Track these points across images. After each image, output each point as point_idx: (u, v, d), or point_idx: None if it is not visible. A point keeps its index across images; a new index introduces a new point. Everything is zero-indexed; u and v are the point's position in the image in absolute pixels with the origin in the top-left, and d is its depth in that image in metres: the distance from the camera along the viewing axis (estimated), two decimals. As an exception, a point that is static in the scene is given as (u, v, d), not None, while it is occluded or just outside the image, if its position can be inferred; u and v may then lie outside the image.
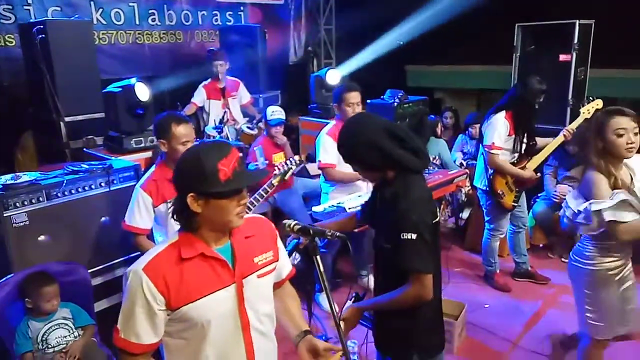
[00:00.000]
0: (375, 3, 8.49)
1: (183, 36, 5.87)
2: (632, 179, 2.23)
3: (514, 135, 3.53)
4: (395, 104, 4.57)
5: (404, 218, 1.70)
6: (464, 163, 4.90)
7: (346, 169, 3.34)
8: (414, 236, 1.68)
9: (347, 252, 3.93)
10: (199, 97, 4.78)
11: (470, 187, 4.56)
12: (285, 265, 1.68)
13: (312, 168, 4.37)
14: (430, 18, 8.52)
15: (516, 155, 3.61)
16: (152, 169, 2.60)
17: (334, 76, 4.86)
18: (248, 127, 4.62)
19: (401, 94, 4.73)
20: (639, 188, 2.20)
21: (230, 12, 6.33)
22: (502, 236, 3.86)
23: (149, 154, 3.52)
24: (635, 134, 2.16)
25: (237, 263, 1.44)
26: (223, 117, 4.56)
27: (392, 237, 1.74)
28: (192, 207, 1.35)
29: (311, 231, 1.57)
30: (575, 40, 4.50)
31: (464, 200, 4.83)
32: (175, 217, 1.42)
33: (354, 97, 3.39)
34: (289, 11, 6.98)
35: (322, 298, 3.62)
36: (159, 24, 5.65)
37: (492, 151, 3.52)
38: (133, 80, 3.62)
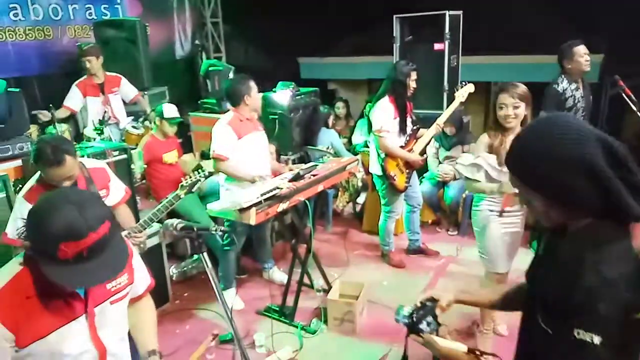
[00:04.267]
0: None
1: (53, 32, 5.35)
2: None
3: (398, 118, 3.74)
4: (288, 96, 4.63)
5: (587, 305, 1.00)
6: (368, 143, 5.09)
7: (244, 167, 3.37)
8: (596, 340, 1.00)
9: (249, 247, 3.99)
10: (74, 99, 4.37)
11: (364, 173, 4.76)
12: (142, 281, 1.61)
13: (209, 166, 4.26)
14: (319, 10, 8.68)
15: (403, 137, 3.83)
16: (35, 176, 2.37)
17: (170, 110, 3.95)
18: (133, 127, 4.36)
19: (292, 86, 4.80)
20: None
21: (106, 5, 5.89)
22: (397, 217, 4.09)
23: (18, 162, 3.18)
24: (515, 107, 2.50)
25: (89, 292, 1.37)
26: (104, 116, 4.25)
27: (557, 323, 1.06)
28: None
29: (195, 229, 1.54)
30: (447, 30, 4.88)
31: (360, 185, 5.03)
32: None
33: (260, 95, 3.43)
34: (171, 4, 6.69)
35: (227, 295, 3.58)
36: (22, 19, 5.09)
37: (381, 134, 3.71)
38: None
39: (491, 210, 2.66)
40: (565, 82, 3.78)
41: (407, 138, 3.84)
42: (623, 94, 3.90)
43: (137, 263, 1.54)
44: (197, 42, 7.03)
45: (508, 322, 3.08)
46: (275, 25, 8.84)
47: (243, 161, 3.35)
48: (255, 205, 2.76)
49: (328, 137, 4.78)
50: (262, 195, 2.79)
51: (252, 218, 2.78)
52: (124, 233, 2.49)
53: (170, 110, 3.86)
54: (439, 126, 3.83)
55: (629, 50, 4.70)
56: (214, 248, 3.80)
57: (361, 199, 5.13)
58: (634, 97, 3.86)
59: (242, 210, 2.75)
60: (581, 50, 3.73)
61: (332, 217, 4.99)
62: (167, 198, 2.79)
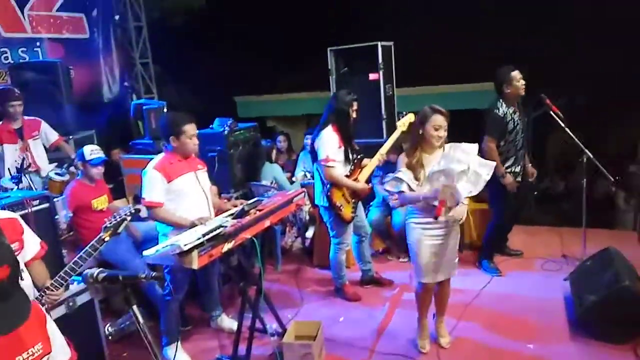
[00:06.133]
0: (192, 36, 8.36)
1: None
2: (441, 163, 2.75)
3: (343, 147, 3.69)
4: (226, 132, 4.47)
5: None
6: (308, 175, 5.00)
7: (180, 212, 3.12)
8: None
9: (195, 295, 3.69)
10: None
11: (311, 206, 4.64)
12: (62, 350, 1.37)
13: (143, 209, 3.97)
14: (253, 48, 8.69)
15: (349, 166, 3.76)
16: None
17: (92, 151, 3.68)
18: (57, 174, 4.00)
19: (231, 122, 4.65)
20: (473, 171, 2.70)
21: (24, 49, 5.54)
22: (347, 248, 3.97)
23: None
24: (445, 130, 2.81)
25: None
26: (22, 163, 3.87)
27: None
28: None
29: (121, 278, 1.31)
30: (380, 60, 4.97)
31: (307, 219, 4.89)
32: None
33: (194, 128, 3.17)
34: (96, 46, 6.42)
35: (170, 351, 3.24)
36: None
37: (327, 164, 3.63)
38: None
39: (416, 223, 2.89)
40: (505, 107, 3.92)
41: (352, 167, 3.78)
42: (551, 112, 4.09)
43: (54, 330, 1.28)
44: (126, 83, 6.76)
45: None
46: (209, 65, 8.76)
47: (178, 205, 3.10)
48: (196, 247, 2.52)
49: (271, 172, 4.64)
50: (204, 235, 2.56)
51: (194, 261, 2.53)
52: (37, 295, 2.14)
53: (91, 151, 3.56)
54: (382, 155, 3.82)
55: (547, 78, 4.96)
56: (153, 299, 3.48)
57: (309, 233, 4.98)
58: (561, 114, 4.06)
59: (183, 253, 2.49)
60: (517, 75, 3.91)
61: (281, 255, 4.79)
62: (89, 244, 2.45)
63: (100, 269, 1.35)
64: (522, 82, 3.93)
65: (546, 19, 7.94)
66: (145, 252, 2.78)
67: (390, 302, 3.88)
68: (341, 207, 3.71)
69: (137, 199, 4.42)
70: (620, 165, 6.84)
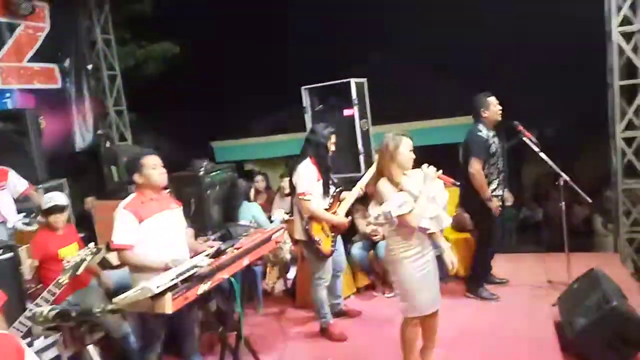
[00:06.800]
0: (167, 83, 8.42)
1: None
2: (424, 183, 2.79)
3: (322, 180, 3.65)
4: (202, 173, 4.39)
5: None
6: (287, 216, 4.92)
7: (152, 254, 2.98)
8: None
9: (172, 343, 3.48)
10: None
11: (292, 244, 4.54)
12: None
13: (115, 257, 3.79)
14: (228, 93, 8.76)
15: (327, 200, 3.71)
16: None
17: (50, 198, 3.52)
18: (24, 224, 3.83)
19: (206, 162, 4.58)
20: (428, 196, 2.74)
21: (-7, 100, 5.45)
22: (327, 284, 3.85)
23: None
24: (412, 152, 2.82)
25: None
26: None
27: None
28: None
29: (73, 314, 1.19)
30: (354, 96, 5.03)
31: (288, 258, 4.75)
32: None
33: (154, 159, 3.08)
34: (68, 95, 6.37)
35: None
36: None
37: (305, 197, 3.57)
38: None
39: (403, 256, 2.77)
40: (485, 130, 4.01)
41: (331, 200, 3.73)
42: (524, 139, 4.16)
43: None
44: (99, 131, 6.67)
45: None
46: (184, 111, 8.78)
47: (151, 247, 2.96)
48: (170, 289, 2.38)
49: (249, 211, 4.54)
50: (177, 276, 2.42)
51: (168, 305, 2.37)
52: None
53: (49, 198, 3.41)
54: (361, 188, 3.78)
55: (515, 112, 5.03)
56: (129, 353, 3.27)
57: (291, 273, 4.84)
58: (535, 140, 4.13)
59: (155, 297, 2.35)
60: (494, 100, 4.06)
61: (263, 297, 4.61)
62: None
63: (51, 306, 1.22)
64: (499, 107, 4.07)
65: (514, 53, 8.28)
66: (114, 300, 2.62)
67: (377, 340, 3.73)
68: (320, 241, 3.63)
69: (110, 247, 4.26)
70: (596, 192, 6.96)
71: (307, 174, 3.60)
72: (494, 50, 7.98)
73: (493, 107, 4.02)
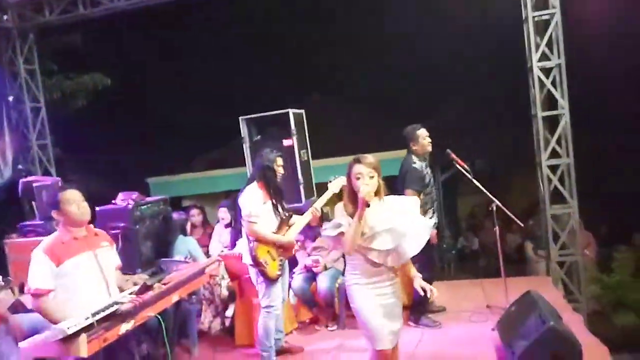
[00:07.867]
0: (97, 117, 8.04)
1: None
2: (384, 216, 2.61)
3: (269, 201, 3.60)
4: (130, 206, 4.12)
5: None
6: (225, 250, 4.71)
7: (71, 301, 2.69)
8: None
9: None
10: None
11: (229, 280, 4.31)
12: None
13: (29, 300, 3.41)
14: (163, 126, 8.49)
15: (275, 222, 3.63)
16: None
17: None
18: None
19: (136, 195, 4.32)
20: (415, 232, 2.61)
21: None
22: (277, 312, 3.65)
23: None
24: (371, 177, 2.55)
25: None
26: None
27: None
28: None
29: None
30: (293, 126, 5.00)
31: (226, 295, 4.50)
32: None
33: (74, 194, 2.84)
34: (-15, 127, 5.91)
35: None
36: None
37: (250, 219, 3.48)
38: None
39: (361, 284, 2.62)
40: (418, 162, 4.07)
41: (280, 223, 3.64)
42: (457, 166, 4.28)
43: None
44: (20, 166, 6.19)
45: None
46: (116, 146, 8.39)
47: (71, 293, 2.67)
48: (85, 329, 2.13)
49: (185, 246, 4.29)
50: (93, 315, 2.17)
51: (83, 348, 2.12)
52: None
53: None
54: (317, 210, 3.77)
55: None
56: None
57: (230, 311, 4.56)
58: (467, 167, 4.25)
59: (67, 339, 2.09)
60: (423, 132, 4.14)
61: (198, 337, 4.29)
62: None
63: None
64: (429, 139, 4.15)
65: (449, 88, 8.72)
66: (21, 344, 2.32)
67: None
68: (266, 264, 3.50)
69: (23, 288, 3.84)
70: (528, 219, 7.31)
71: (252, 197, 3.55)
72: (431, 85, 8.35)
73: (422, 140, 4.10)
